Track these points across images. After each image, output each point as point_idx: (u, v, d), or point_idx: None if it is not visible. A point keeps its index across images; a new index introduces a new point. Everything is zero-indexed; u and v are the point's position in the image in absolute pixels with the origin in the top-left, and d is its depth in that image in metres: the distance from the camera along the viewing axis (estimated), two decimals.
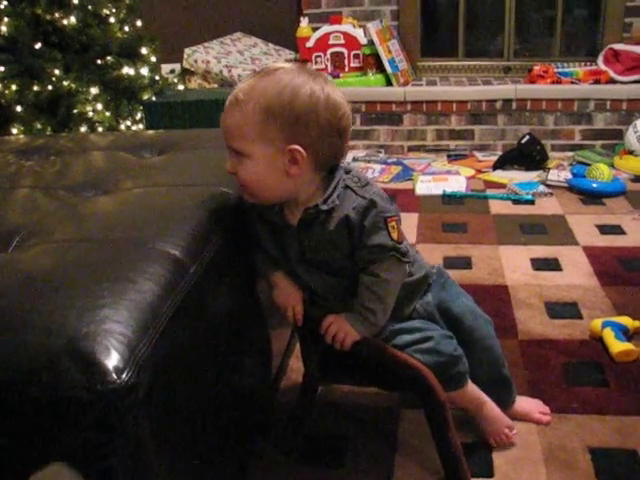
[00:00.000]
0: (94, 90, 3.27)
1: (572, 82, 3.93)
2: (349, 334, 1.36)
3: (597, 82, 3.90)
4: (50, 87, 3.16)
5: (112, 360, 0.89)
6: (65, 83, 3.18)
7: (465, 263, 2.48)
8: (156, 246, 1.16)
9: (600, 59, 3.96)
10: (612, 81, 3.89)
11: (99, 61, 3.34)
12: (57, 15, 3.16)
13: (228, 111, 1.26)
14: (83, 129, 3.22)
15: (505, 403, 1.57)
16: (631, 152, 3.64)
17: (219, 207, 1.40)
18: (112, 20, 3.41)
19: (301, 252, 1.35)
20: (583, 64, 4.13)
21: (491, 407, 1.52)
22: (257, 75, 1.26)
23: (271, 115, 1.22)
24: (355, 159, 3.85)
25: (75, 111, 3.21)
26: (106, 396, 0.87)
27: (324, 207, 1.29)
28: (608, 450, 1.51)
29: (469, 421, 1.57)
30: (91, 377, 0.87)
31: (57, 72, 3.16)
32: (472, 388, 1.48)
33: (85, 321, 0.93)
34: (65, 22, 3.18)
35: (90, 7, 3.28)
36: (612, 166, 3.52)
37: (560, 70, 4.03)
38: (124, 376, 0.88)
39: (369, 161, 3.86)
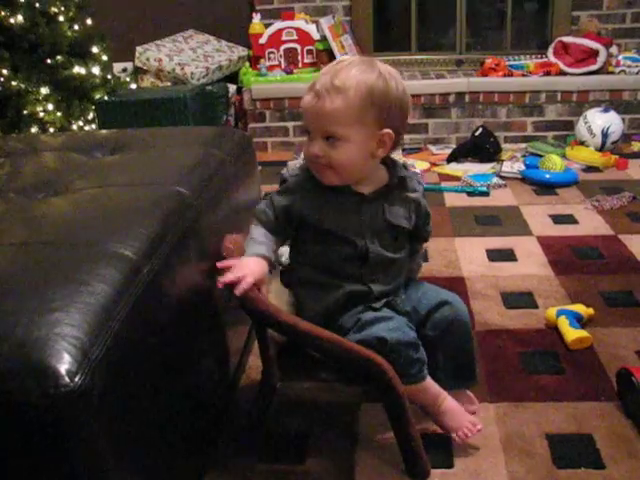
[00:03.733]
0: (44, 90, 3.20)
1: (523, 75, 3.98)
2: None
3: (548, 74, 3.95)
4: None
5: (65, 364, 0.87)
6: (14, 83, 3.10)
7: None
8: (109, 247, 1.15)
9: (550, 52, 4.02)
10: (562, 73, 3.95)
11: (49, 60, 3.27)
12: (3, 13, 3.09)
13: (325, 98, 1.34)
14: (34, 130, 3.16)
15: (466, 381, 1.58)
16: (582, 143, 3.70)
17: (173, 206, 1.39)
18: (61, 19, 3.34)
19: (379, 215, 1.45)
20: (534, 57, 4.19)
21: (451, 402, 1.50)
22: (341, 65, 1.36)
23: (370, 102, 1.34)
24: None
25: (25, 112, 3.14)
26: (59, 400, 0.86)
27: (403, 175, 1.48)
28: (564, 436, 1.54)
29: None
30: (43, 382, 0.86)
31: (5, 72, 3.09)
32: (432, 383, 1.47)
33: (36, 325, 0.92)
34: (12, 21, 3.10)
35: (38, 5, 3.21)
36: (564, 157, 3.57)
37: (511, 63, 4.08)
38: (77, 379, 0.87)
39: None
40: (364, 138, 1.37)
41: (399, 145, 1.46)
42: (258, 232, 1.44)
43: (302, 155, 1.46)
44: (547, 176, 3.24)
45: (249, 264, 1.37)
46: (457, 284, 2.26)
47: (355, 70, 1.35)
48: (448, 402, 1.49)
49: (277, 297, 1.53)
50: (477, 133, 3.66)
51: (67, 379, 0.86)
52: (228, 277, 1.33)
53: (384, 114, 1.36)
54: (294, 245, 1.52)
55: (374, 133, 1.37)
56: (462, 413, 1.50)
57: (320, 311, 1.46)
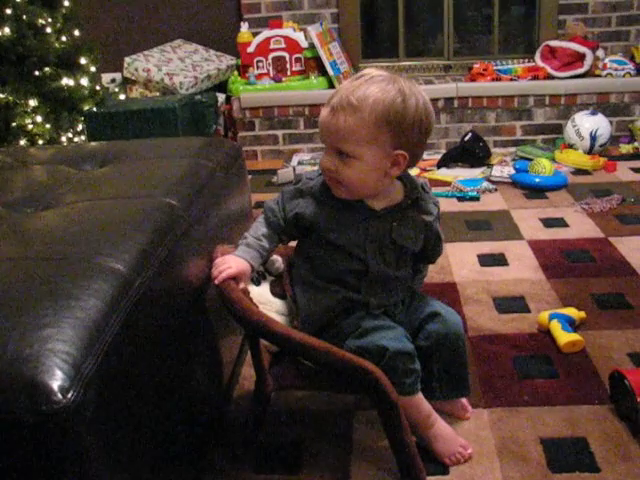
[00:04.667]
0: (33, 102, 3.19)
1: (511, 79, 3.99)
2: None
3: (535, 78, 3.97)
4: None
5: (57, 380, 0.87)
6: (2, 96, 3.10)
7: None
8: (99, 261, 1.15)
9: (537, 56, 4.04)
10: (550, 77, 3.97)
11: (37, 72, 3.26)
12: None
13: (339, 114, 1.32)
14: (22, 142, 3.15)
15: (460, 392, 1.59)
16: (571, 146, 3.71)
17: (163, 218, 1.39)
18: (49, 30, 3.33)
19: (385, 233, 1.43)
20: (521, 61, 4.20)
21: (443, 426, 1.51)
22: (361, 81, 1.33)
23: (385, 122, 1.31)
24: (300, 162, 3.85)
25: (14, 124, 3.13)
26: (52, 417, 0.85)
27: (418, 197, 1.45)
28: (559, 440, 1.54)
29: None
30: (36, 398, 0.85)
31: None
32: (424, 401, 1.48)
33: (28, 341, 0.92)
34: None
35: (25, 17, 3.21)
36: (553, 160, 3.58)
37: (499, 67, 4.09)
38: (70, 395, 0.87)
39: (315, 164, 3.85)
40: (377, 157, 1.34)
41: (416, 163, 1.43)
42: (257, 233, 1.47)
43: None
44: (537, 180, 3.25)
45: (234, 260, 1.42)
46: (449, 290, 2.26)
47: (374, 87, 1.32)
48: (439, 425, 1.50)
49: (268, 307, 1.52)
50: (466, 138, 3.67)
51: (59, 395, 0.86)
52: (213, 272, 1.40)
53: (400, 134, 1.33)
54: (299, 245, 1.53)
55: (388, 153, 1.35)
56: (454, 438, 1.51)
57: (317, 312, 1.47)
